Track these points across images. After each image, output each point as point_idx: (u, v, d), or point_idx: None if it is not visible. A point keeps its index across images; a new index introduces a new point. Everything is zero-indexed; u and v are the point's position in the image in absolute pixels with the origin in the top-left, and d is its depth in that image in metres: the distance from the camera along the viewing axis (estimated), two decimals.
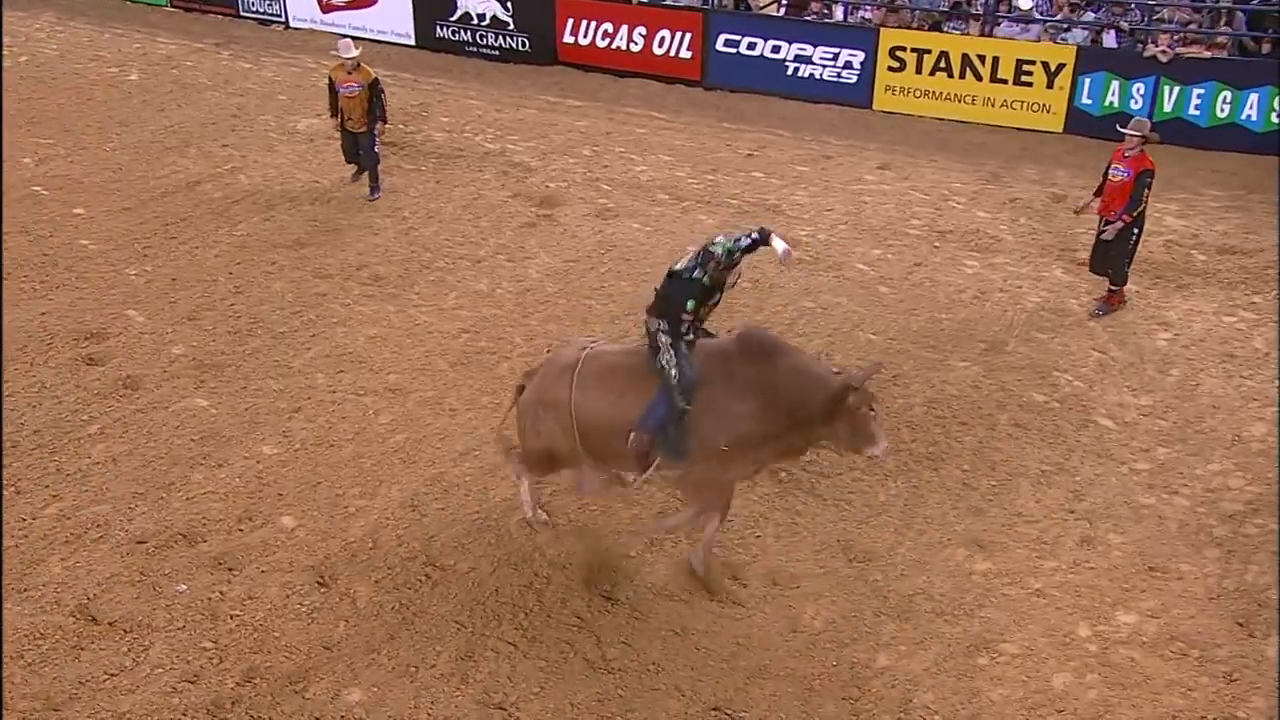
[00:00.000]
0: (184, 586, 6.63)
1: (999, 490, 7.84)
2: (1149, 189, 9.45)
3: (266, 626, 6.44)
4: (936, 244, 11.49)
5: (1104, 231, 9.69)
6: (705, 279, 6.42)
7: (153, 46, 17.35)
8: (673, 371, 6.31)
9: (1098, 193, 9.86)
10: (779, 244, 6.64)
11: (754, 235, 6.61)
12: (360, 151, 11.97)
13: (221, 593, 6.64)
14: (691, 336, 6.49)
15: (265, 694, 6.00)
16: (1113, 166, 9.67)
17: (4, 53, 13.67)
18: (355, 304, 10.02)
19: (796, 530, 7.47)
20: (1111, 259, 9.79)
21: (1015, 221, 11.97)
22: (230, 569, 6.84)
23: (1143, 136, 9.49)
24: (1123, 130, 9.61)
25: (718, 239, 6.52)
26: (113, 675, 6.03)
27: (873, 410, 6.52)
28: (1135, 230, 9.65)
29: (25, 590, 6.56)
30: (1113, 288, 9.94)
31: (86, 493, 7.40)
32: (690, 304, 6.37)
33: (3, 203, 10.31)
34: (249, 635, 6.37)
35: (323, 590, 6.73)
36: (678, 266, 6.54)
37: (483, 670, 6.26)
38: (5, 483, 7.40)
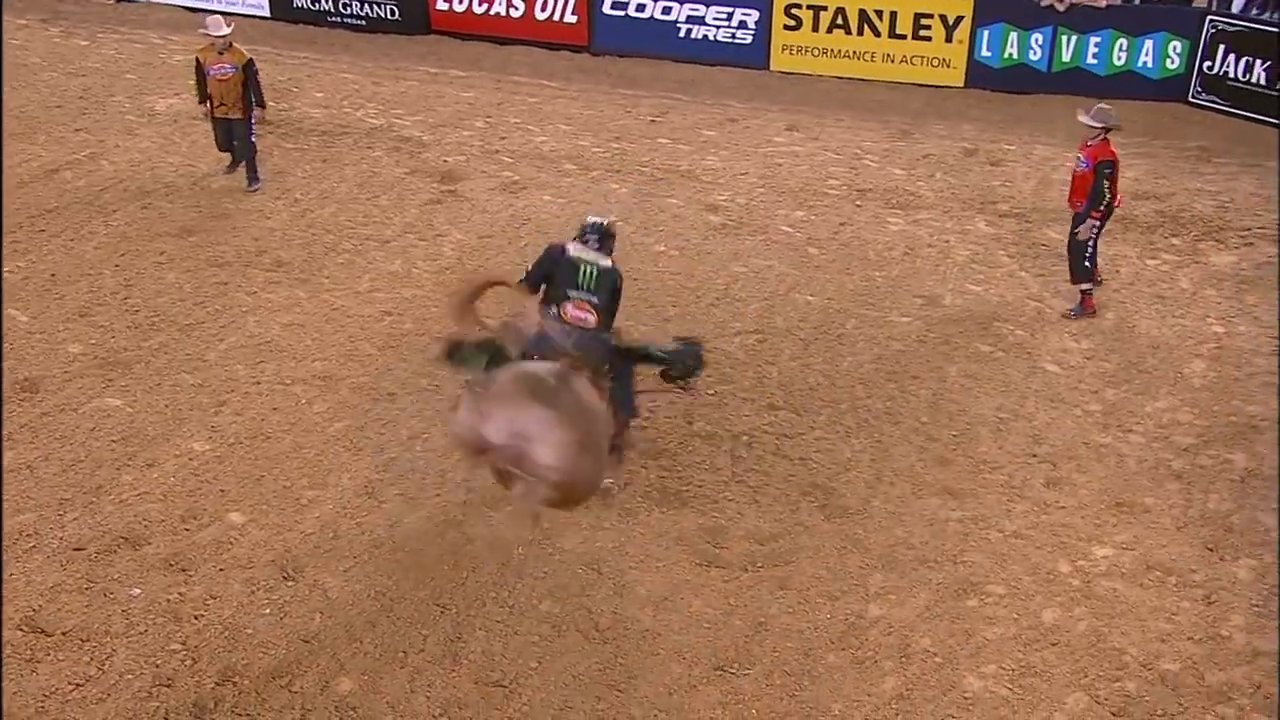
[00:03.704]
0: (138, 590, 6.63)
1: (961, 440, 8.44)
2: (1110, 180, 9.42)
3: (236, 624, 6.50)
4: (858, 203, 12.11)
5: (1077, 231, 9.68)
6: None
7: None
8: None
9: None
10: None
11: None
12: (235, 140, 11.68)
13: (180, 594, 6.66)
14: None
15: (249, 691, 6.08)
16: (1078, 156, 9.80)
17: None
18: (262, 291, 10.00)
19: (768, 491, 7.89)
20: (1070, 255, 9.86)
21: (931, 177, 12.71)
22: (184, 569, 6.86)
23: (1104, 126, 9.48)
24: (1082, 120, 9.63)
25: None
26: (78, 685, 6.03)
27: None
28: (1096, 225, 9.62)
29: None
30: (1083, 289, 9.88)
31: (6, 502, 7.26)
32: None
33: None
34: (219, 634, 6.43)
35: (289, 584, 6.82)
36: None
37: (474, 650, 6.48)
38: None
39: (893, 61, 15.26)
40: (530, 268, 7.58)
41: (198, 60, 11.52)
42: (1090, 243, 9.72)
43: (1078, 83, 14.24)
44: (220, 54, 11.38)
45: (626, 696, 6.28)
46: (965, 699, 6.28)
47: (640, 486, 7.86)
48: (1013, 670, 6.44)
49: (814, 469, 8.12)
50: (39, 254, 10.30)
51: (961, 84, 14.99)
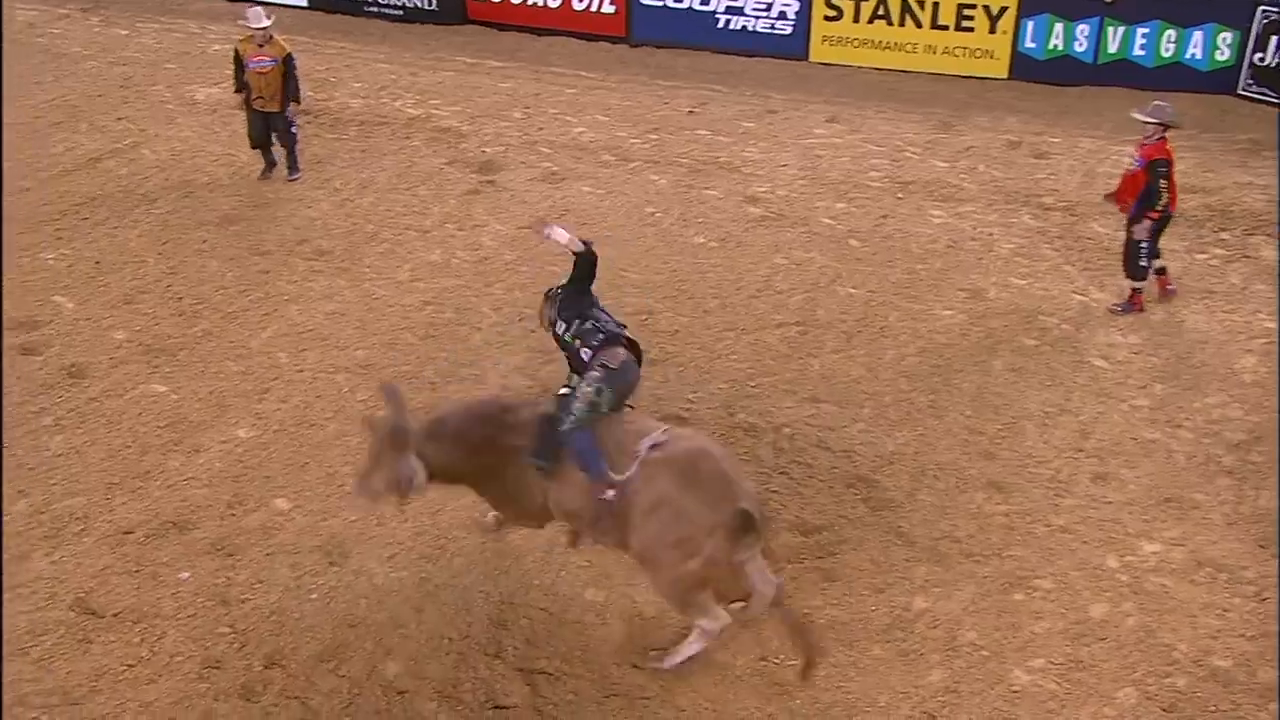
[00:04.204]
0: (187, 574, 6.77)
1: (1006, 434, 8.45)
2: (1165, 179, 9.30)
3: (283, 609, 6.63)
4: (899, 195, 12.11)
5: (1133, 230, 9.54)
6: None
7: (9, 12, 16.85)
8: None
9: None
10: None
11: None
12: (274, 133, 11.74)
13: (228, 578, 6.79)
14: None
15: (298, 675, 6.20)
16: (1132, 154, 9.69)
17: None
18: (303, 280, 10.13)
19: (812, 483, 7.93)
20: (1125, 253, 9.73)
21: (974, 170, 12.68)
22: (231, 554, 6.99)
23: (1161, 124, 9.38)
24: (1138, 117, 9.59)
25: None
26: (130, 666, 6.18)
27: None
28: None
29: (14, 587, 6.64)
30: (1134, 286, 9.77)
31: (56, 486, 7.45)
32: None
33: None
34: (266, 618, 6.56)
35: (335, 569, 6.93)
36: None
37: (519, 638, 6.57)
38: None
39: (935, 53, 15.21)
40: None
41: (237, 52, 11.59)
42: (1144, 242, 9.60)
43: (1125, 74, 14.16)
44: (260, 46, 11.42)
45: (672, 686, 6.34)
46: (1013, 692, 6.31)
47: None
48: (1061, 664, 6.47)
49: (858, 462, 8.15)
50: (83, 241, 10.48)
51: (1005, 76, 14.92)
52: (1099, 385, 8.98)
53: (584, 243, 6.62)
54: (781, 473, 8.03)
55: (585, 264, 6.64)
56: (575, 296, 6.68)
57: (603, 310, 6.71)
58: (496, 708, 6.14)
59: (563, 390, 6.54)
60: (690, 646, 6.40)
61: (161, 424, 8.11)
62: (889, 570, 7.20)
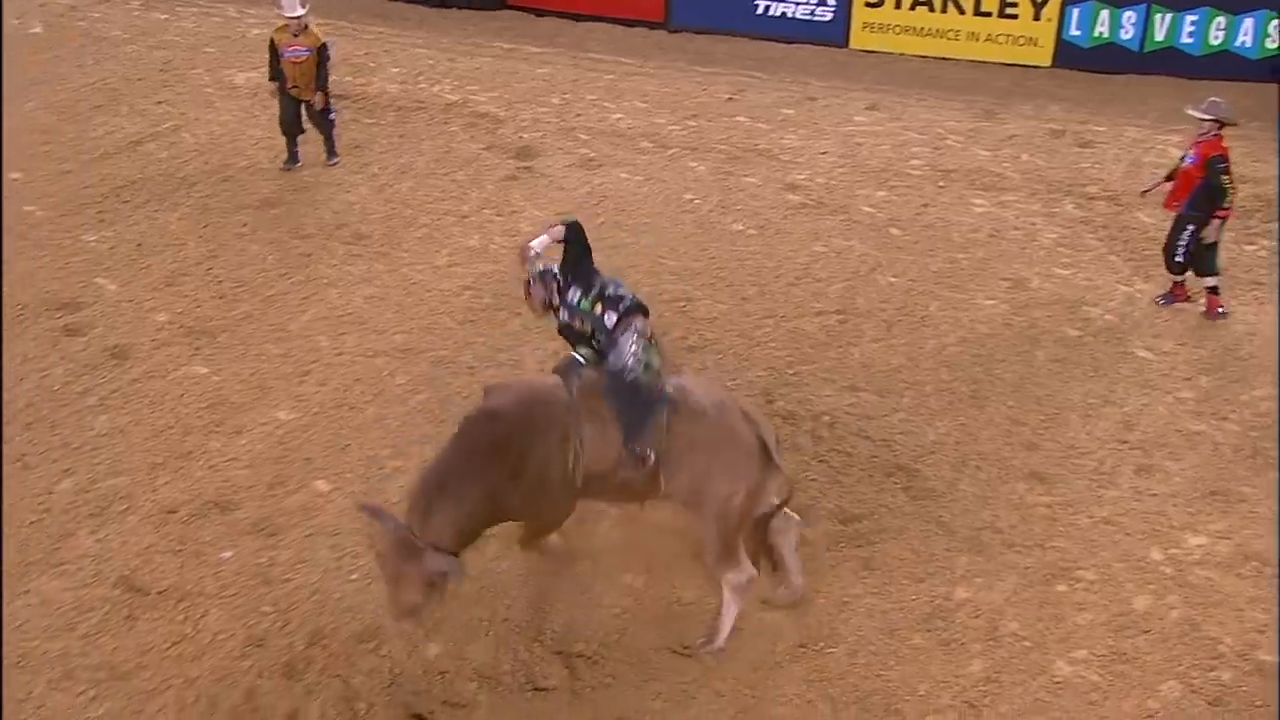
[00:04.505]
0: (229, 553, 6.88)
1: (1049, 424, 8.42)
2: (1227, 174, 9.21)
3: (324, 589, 6.73)
4: (941, 184, 12.06)
5: (1203, 235, 9.34)
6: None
7: None
8: None
9: (1168, 177, 9.73)
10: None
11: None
12: (309, 119, 11.75)
13: (270, 558, 6.90)
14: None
15: (339, 654, 6.30)
16: (1185, 153, 9.59)
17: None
18: (343, 264, 10.22)
19: (851, 471, 7.94)
20: (1201, 254, 9.49)
21: (1017, 159, 12.60)
22: (272, 534, 7.09)
23: (1216, 120, 9.26)
24: (1192, 113, 9.48)
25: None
26: (175, 643, 6.31)
27: None
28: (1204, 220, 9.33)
29: (60, 565, 6.77)
30: (1208, 284, 9.61)
31: (100, 465, 7.58)
32: None
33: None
34: (308, 598, 6.66)
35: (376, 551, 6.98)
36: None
37: (557, 620, 6.63)
38: (9, 457, 7.52)
39: (978, 40, 15.11)
40: None
41: (272, 41, 11.57)
42: (1216, 242, 9.43)
43: (1172, 63, 14.03)
44: (295, 36, 11.39)
45: (710, 671, 6.38)
46: (1055, 683, 6.31)
47: None
48: (1104, 656, 6.46)
49: (898, 451, 8.15)
50: (125, 224, 10.62)
51: (1049, 63, 14.81)
52: (1143, 376, 8.93)
53: (561, 224, 6.46)
54: (821, 461, 8.04)
55: (576, 235, 6.43)
56: (581, 266, 6.46)
57: (611, 279, 6.53)
58: (536, 689, 6.21)
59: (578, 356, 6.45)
60: (729, 614, 6.47)
61: (203, 405, 8.22)
62: (929, 560, 7.20)
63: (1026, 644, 6.59)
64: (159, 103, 13.38)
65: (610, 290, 6.38)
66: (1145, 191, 10.32)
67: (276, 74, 11.56)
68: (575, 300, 6.39)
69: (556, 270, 6.46)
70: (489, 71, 14.87)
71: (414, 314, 9.53)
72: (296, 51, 11.42)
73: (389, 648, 6.38)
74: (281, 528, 7.15)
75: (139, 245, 10.28)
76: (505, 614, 6.66)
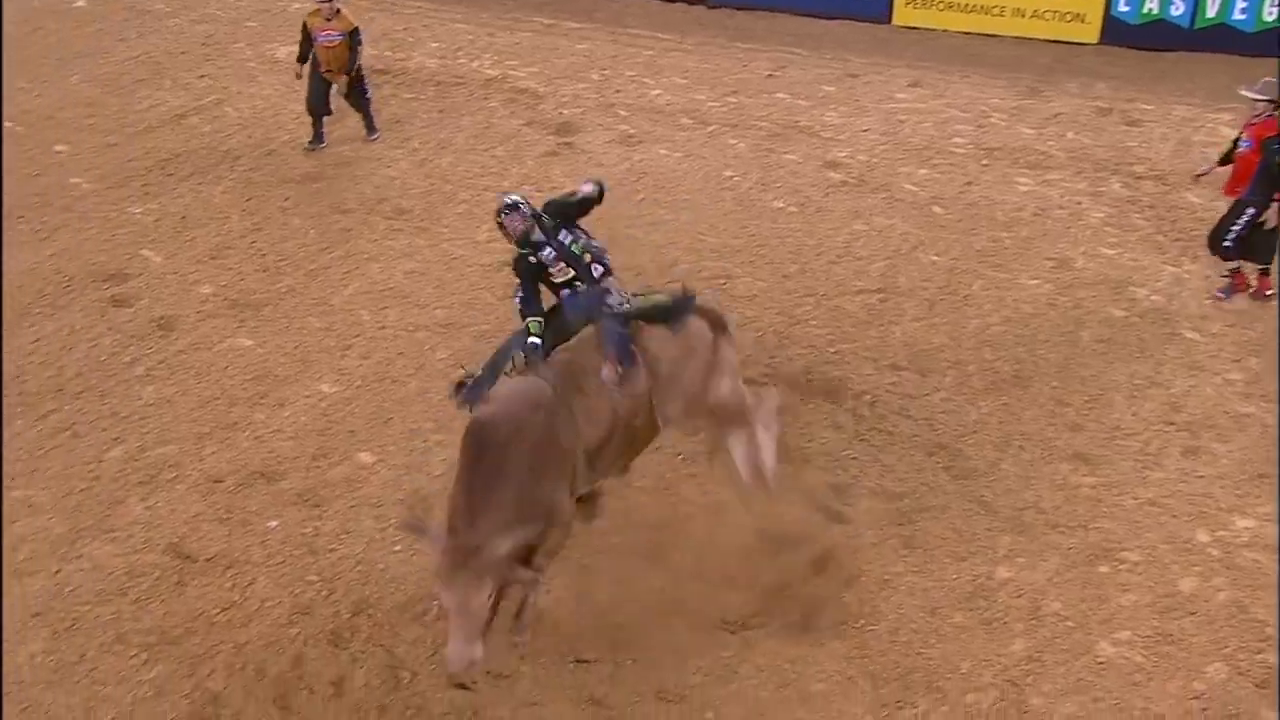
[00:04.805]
0: (275, 523, 6.99)
1: (1093, 405, 8.39)
2: None
3: (368, 559, 6.83)
4: (985, 162, 11.98)
5: (1263, 220, 9.09)
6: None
7: None
8: None
9: (1222, 161, 9.61)
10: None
11: (590, 192, 6.96)
12: (345, 98, 11.75)
13: (315, 528, 7.01)
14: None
15: (383, 624, 6.41)
16: (1241, 137, 9.42)
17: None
18: (383, 239, 10.30)
19: (893, 450, 7.95)
20: (1261, 240, 9.26)
21: (1063, 137, 12.49)
22: (316, 505, 7.20)
23: (1271, 101, 9.11)
24: (1246, 94, 9.35)
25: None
26: (224, 609, 6.43)
27: None
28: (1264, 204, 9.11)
29: (111, 531, 6.92)
30: (1263, 268, 9.42)
31: (149, 434, 7.71)
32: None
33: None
34: (352, 568, 6.77)
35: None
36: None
37: (600, 594, 6.69)
38: (61, 425, 7.67)
39: (1023, 16, 14.94)
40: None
41: (305, 24, 11.53)
42: (1254, 225, 9.21)
43: (1223, 40, 13.82)
44: (328, 20, 11.36)
45: (751, 647, 6.43)
46: (1098, 663, 6.31)
47: None
48: (1148, 637, 6.46)
49: (939, 430, 8.15)
50: (169, 197, 10.74)
51: (1096, 40, 14.62)
52: (1191, 358, 8.87)
53: (596, 183, 6.99)
54: (861, 439, 8.06)
55: (599, 196, 6.96)
56: (578, 218, 6.91)
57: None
58: (578, 662, 6.27)
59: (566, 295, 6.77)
60: (766, 445, 6.93)
61: (248, 377, 8.33)
62: (971, 539, 7.21)
63: (1069, 624, 6.59)
64: (201, 76, 13.49)
65: (596, 246, 6.84)
66: (1199, 175, 10.22)
67: (306, 56, 11.53)
68: (568, 243, 6.76)
69: (539, 210, 6.80)
70: (528, 47, 14.86)
71: (455, 289, 9.60)
72: (330, 36, 11.42)
73: (432, 618, 6.45)
74: (326, 499, 7.25)
75: (184, 218, 10.40)
76: (548, 587, 6.69)
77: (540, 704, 6.08)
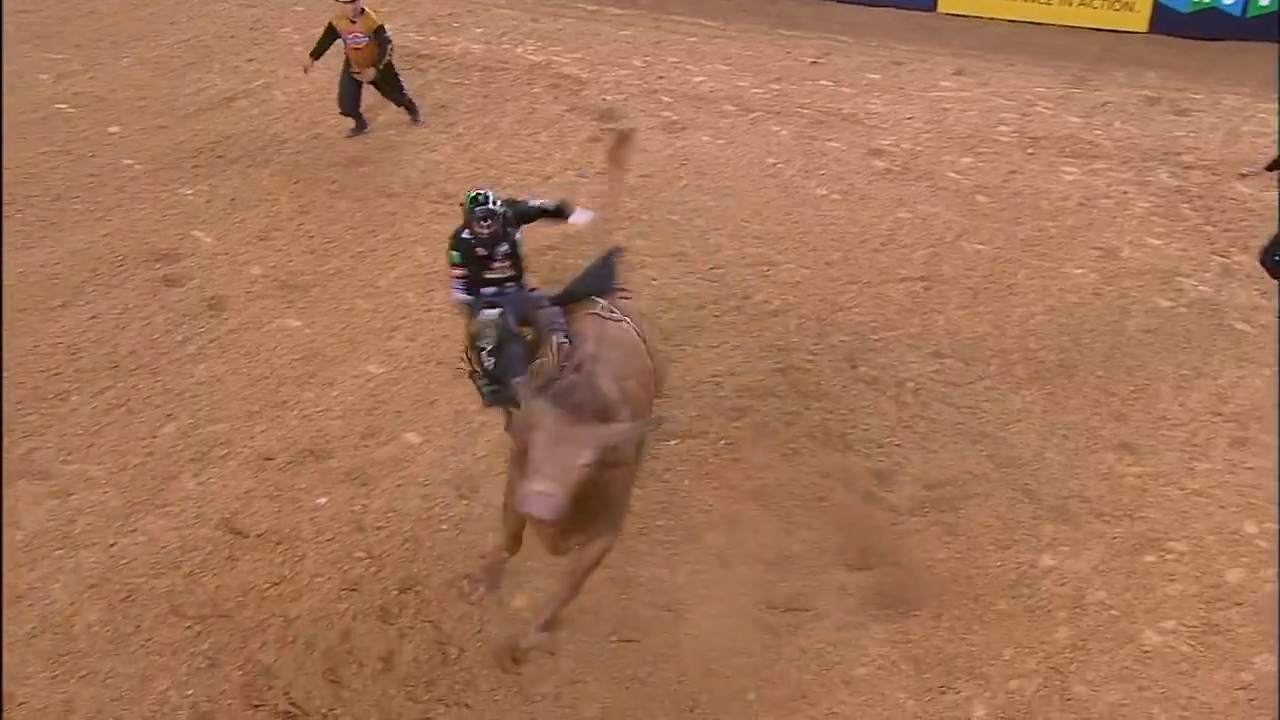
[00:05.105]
0: (324, 500, 7.08)
1: (1139, 395, 8.35)
2: None
3: (416, 537, 6.91)
4: (1030, 151, 11.91)
5: None
6: (470, 236, 7.09)
7: None
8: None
9: (1271, 166, 9.37)
10: (580, 215, 7.43)
11: (547, 204, 7.41)
12: (383, 95, 11.77)
13: (363, 505, 7.09)
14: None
15: (431, 600, 6.49)
16: None
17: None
18: (429, 222, 10.36)
19: (935, 437, 7.94)
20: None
21: (1110, 126, 12.40)
22: (364, 484, 7.28)
23: None
24: None
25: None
26: (274, 584, 6.53)
27: None
28: None
29: (164, 506, 7.03)
30: None
31: (200, 411, 7.83)
32: (453, 256, 7.17)
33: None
34: (400, 546, 6.85)
35: (464, 502, 7.18)
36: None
37: (645, 574, 6.75)
38: (116, 401, 7.81)
39: (1070, 4, 14.87)
40: None
41: (331, 24, 11.44)
42: None
43: (1275, 29, 13.65)
44: (352, 22, 11.29)
45: (795, 630, 6.47)
46: (1144, 652, 6.30)
47: (804, 427, 8.00)
48: (1194, 627, 6.43)
49: (983, 418, 8.13)
50: (219, 179, 10.87)
51: (1144, 29, 14.53)
52: (1239, 349, 8.80)
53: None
54: (905, 426, 8.06)
55: (547, 215, 7.45)
56: (522, 218, 7.29)
57: None
58: (624, 641, 6.32)
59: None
60: None
61: (296, 357, 8.43)
62: (1015, 527, 7.20)
63: (1114, 613, 6.58)
64: (249, 60, 13.63)
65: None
66: (1244, 175, 10.11)
67: (321, 53, 11.45)
68: (519, 239, 7.27)
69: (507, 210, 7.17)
70: (572, 33, 14.91)
71: None
72: (356, 38, 11.36)
73: (477, 595, 6.53)
74: (373, 477, 7.33)
75: (233, 200, 10.53)
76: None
77: (584, 681, 6.14)
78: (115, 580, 6.54)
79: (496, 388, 7.04)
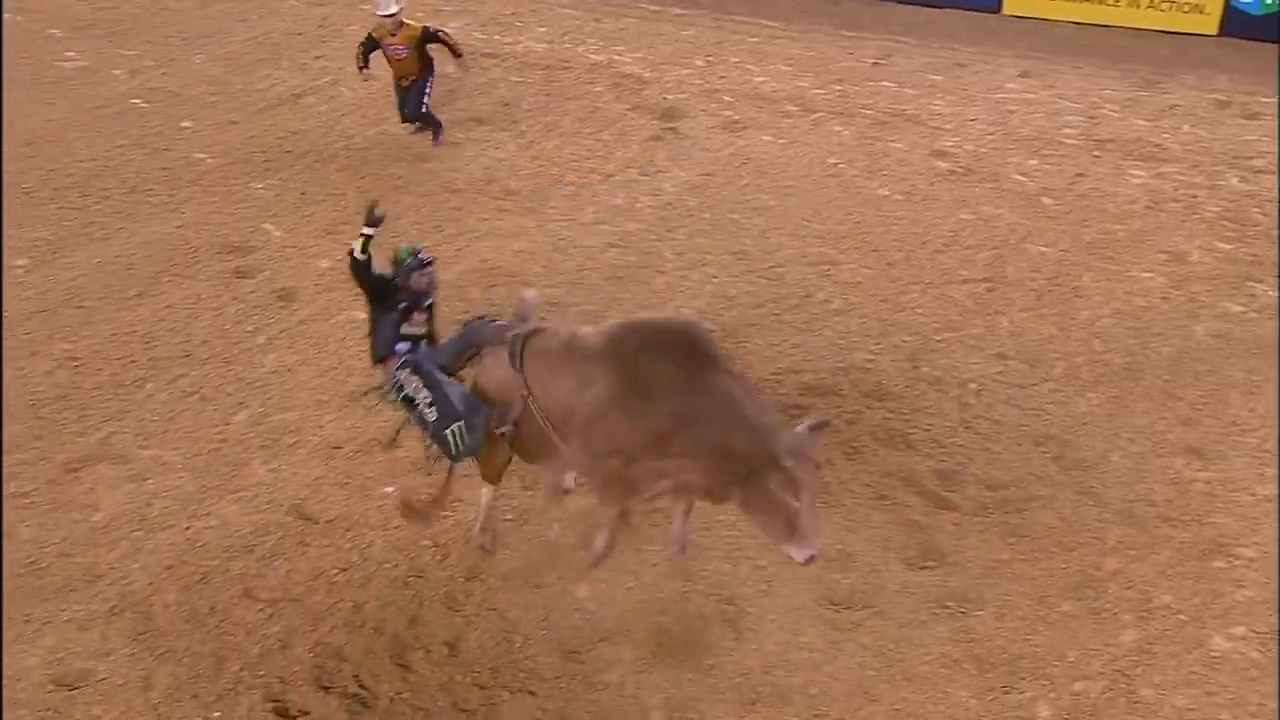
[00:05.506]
0: (391, 488, 7.18)
1: (1208, 400, 8.25)
2: None
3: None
4: (1096, 153, 11.81)
5: None
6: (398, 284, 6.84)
7: None
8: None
9: None
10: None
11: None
12: (402, 97, 11.62)
13: (429, 495, 7.15)
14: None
15: (495, 589, 6.58)
16: None
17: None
18: (492, 219, 10.49)
19: (999, 439, 7.91)
20: None
21: (1179, 129, 12.26)
22: (429, 474, 7.35)
23: None
24: None
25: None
26: (343, 570, 6.67)
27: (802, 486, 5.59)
28: None
29: (237, 491, 7.19)
30: None
31: (271, 400, 8.00)
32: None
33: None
34: (464, 534, 6.91)
35: (528, 493, 7.26)
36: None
37: (706, 569, 6.78)
38: (190, 389, 7.99)
39: (1138, 7, 14.71)
40: None
41: (370, 35, 11.41)
42: None
43: None
44: (393, 34, 11.25)
45: (856, 627, 6.48)
46: (1212, 657, 6.24)
47: (866, 426, 8.00)
48: (1265, 634, 6.36)
49: (1048, 420, 8.08)
50: (289, 173, 11.07)
51: (1215, 32, 14.33)
52: None
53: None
54: (967, 427, 8.03)
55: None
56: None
57: None
58: (686, 633, 6.37)
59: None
60: None
61: (364, 349, 8.49)
62: (1080, 529, 7.16)
63: (1181, 617, 6.52)
64: (318, 58, 13.85)
65: None
66: None
67: (366, 62, 11.40)
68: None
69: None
70: (634, 32, 14.99)
71: (562, 269, 9.75)
72: (397, 50, 11.36)
73: (543, 585, 6.61)
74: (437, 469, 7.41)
75: (302, 194, 10.72)
76: (654, 560, 6.83)
77: (648, 671, 6.18)
78: (191, 562, 6.71)
79: (455, 432, 6.41)
